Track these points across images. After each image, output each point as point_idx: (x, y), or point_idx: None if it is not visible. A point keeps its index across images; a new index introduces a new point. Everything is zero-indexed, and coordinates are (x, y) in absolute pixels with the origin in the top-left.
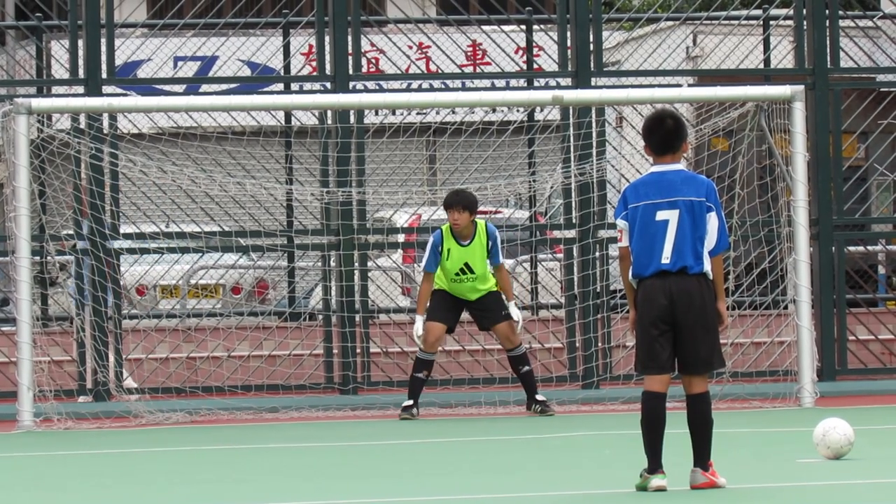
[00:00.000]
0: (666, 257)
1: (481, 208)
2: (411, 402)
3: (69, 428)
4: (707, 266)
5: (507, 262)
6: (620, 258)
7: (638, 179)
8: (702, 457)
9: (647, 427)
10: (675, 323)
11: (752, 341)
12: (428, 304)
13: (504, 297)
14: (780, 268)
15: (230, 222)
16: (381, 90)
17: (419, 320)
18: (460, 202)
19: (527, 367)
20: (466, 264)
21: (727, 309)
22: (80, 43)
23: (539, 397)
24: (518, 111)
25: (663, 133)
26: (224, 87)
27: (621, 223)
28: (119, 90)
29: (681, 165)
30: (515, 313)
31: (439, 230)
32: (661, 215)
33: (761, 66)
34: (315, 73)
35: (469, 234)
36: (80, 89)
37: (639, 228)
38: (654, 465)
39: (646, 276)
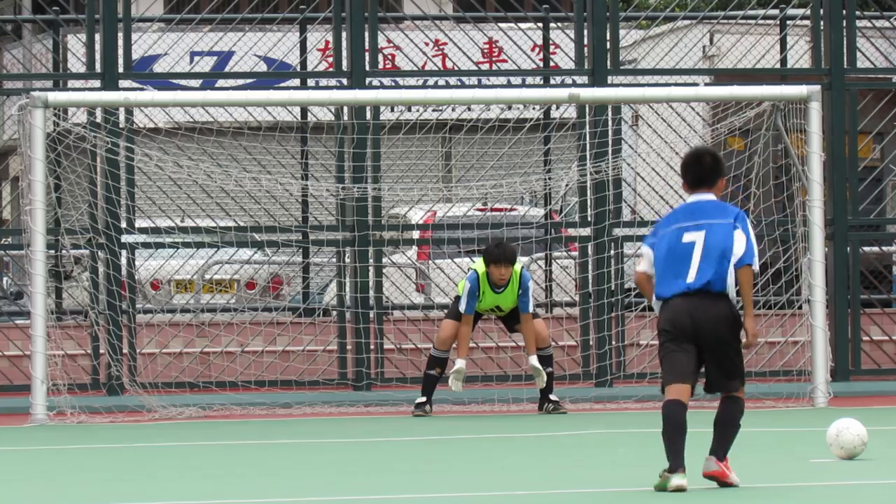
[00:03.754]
0: (691, 276)
1: (497, 206)
2: (424, 399)
3: (82, 422)
4: (731, 284)
5: (523, 260)
6: (638, 282)
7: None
8: (719, 451)
9: (668, 434)
10: (698, 344)
11: (766, 341)
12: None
13: (525, 350)
14: (794, 267)
15: (245, 217)
16: (398, 87)
17: (460, 363)
18: (507, 258)
19: (549, 369)
20: (498, 306)
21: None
22: (97, 37)
23: (553, 397)
24: (534, 109)
25: (700, 169)
26: (240, 82)
27: (645, 249)
28: (135, 84)
29: (713, 197)
30: (536, 366)
31: (475, 274)
32: (687, 237)
33: (778, 65)
34: (331, 70)
35: (505, 283)
36: (97, 83)
37: (666, 251)
38: (675, 465)
39: (669, 297)
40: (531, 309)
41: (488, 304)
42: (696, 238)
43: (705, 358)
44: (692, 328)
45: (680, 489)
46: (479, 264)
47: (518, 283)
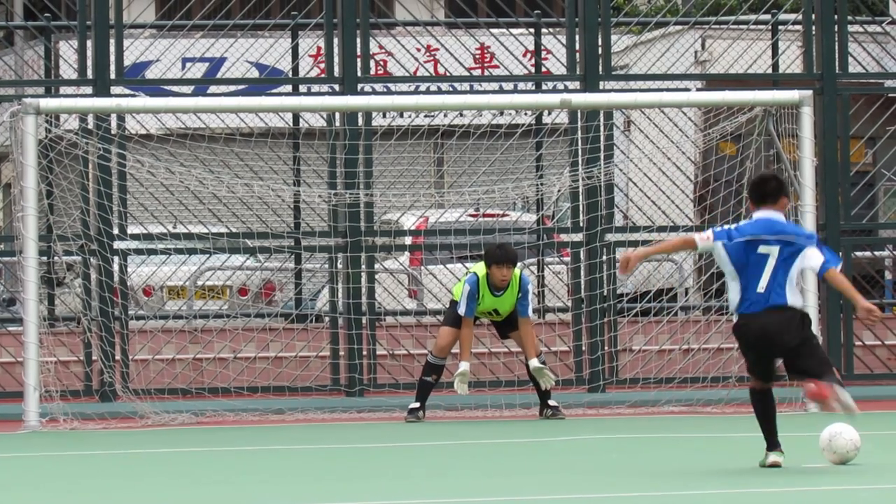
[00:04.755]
0: (762, 287)
1: (489, 211)
2: (418, 404)
3: (75, 428)
4: (792, 300)
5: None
6: (685, 241)
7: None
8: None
9: (760, 419)
10: (774, 351)
11: None
12: (444, 313)
13: (525, 355)
14: None
15: (237, 224)
16: (390, 92)
17: (464, 365)
18: (509, 259)
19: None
20: (496, 309)
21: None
22: (89, 43)
23: (552, 403)
24: (526, 114)
25: (765, 190)
26: (232, 88)
27: (712, 236)
28: (127, 91)
29: (781, 215)
30: (539, 366)
31: (475, 277)
32: (762, 249)
33: (770, 70)
34: (323, 75)
35: (505, 285)
36: (89, 90)
37: (742, 261)
38: (771, 444)
39: (742, 311)
40: (531, 314)
41: (487, 308)
42: (770, 251)
43: (789, 358)
44: (765, 340)
45: (775, 465)
46: (478, 267)
47: (518, 287)
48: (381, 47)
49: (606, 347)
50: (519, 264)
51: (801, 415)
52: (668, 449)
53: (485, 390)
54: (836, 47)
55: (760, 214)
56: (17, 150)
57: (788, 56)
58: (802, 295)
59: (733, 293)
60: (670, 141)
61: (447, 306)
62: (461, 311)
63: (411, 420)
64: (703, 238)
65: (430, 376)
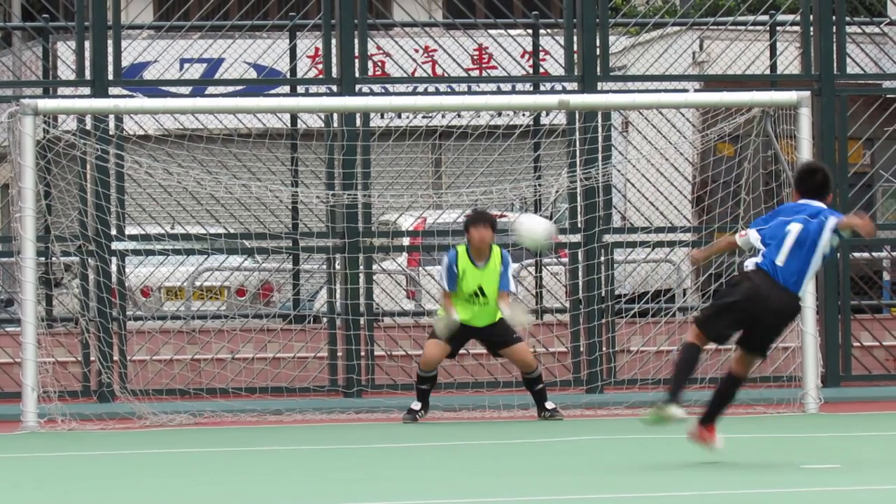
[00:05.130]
0: (780, 260)
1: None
2: (419, 405)
3: (73, 429)
4: (801, 291)
5: (514, 266)
6: (728, 243)
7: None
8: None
9: (680, 370)
10: (749, 312)
11: None
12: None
13: (506, 312)
14: None
15: (235, 224)
16: (387, 93)
17: (450, 311)
18: (484, 218)
19: (540, 386)
20: (480, 287)
21: None
22: (87, 44)
23: (549, 405)
24: (524, 115)
25: (813, 182)
26: (230, 89)
27: (752, 231)
28: (125, 92)
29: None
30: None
31: (454, 249)
32: (789, 227)
33: (767, 71)
34: (321, 76)
35: (485, 256)
36: (87, 90)
37: (770, 235)
38: (676, 397)
39: (750, 268)
40: (512, 287)
41: (471, 287)
42: (792, 228)
43: (754, 328)
44: (747, 302)
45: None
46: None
47: (500, 259)
48: (378, 48)
49: (604, 348)
50: (514, 266)
51: (799, 416)
52: (666, 449)
53: (483, 391)
54: (835, 48)
55: (801, 201)
56: (14, 150)
57: (786, 57)
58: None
59: (754, 257)
60: (668, 142)
61: (435, 321)
62: (443, 285)
63: (408, 420)
64: (741, 234)
65: (424, 385)
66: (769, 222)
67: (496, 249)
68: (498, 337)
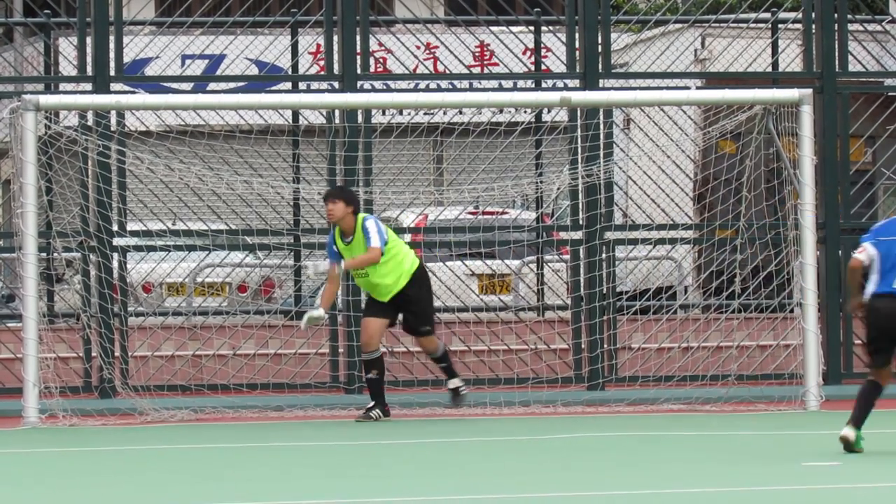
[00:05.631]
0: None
1: (488, 209)
2: (373, 403)
3: (74, 425)
4: None
5: (514, 264)
6: (852, 267)
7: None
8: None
9: (861, 400)
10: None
11: (758, 344)
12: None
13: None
14: (786, 271)
15: (237, 220)
16: (389, 90)
17: (320, 311)
18: (332, 194)
19: (444, 364)
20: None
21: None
22: (89, 40)
23: (452, 385)
24: (525, 112)
25: None
26: (232, 85)
27: (867, 244)
28: (127, 88)
29: None
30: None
31: (333, 229)
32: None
33: (769, 69)
34: (323, 73)
35: (351, 231)
36: (88, 86)
37: (885, 257)
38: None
39: (874, 292)
40: (373, 244)
41: (347, 257)
42: None
43: None
44: (888, 322)
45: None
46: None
47: (361, 229)
48: (380, 45)
49: (605, 345)
50: (514, 264)
51: (800, 413)
52: (667, 447)
53: (484, 388)
54: (836, 46)
55: None
56: (16, 146)
57: (788, 54)
58: (803, 294)
59: (870, 284)
60: (670, 139)
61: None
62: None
63: (361, 420)
64: (859, 252)
65: (370, 373)
66: (878, 236)
67: (360, 219)
68: (409, 324)
